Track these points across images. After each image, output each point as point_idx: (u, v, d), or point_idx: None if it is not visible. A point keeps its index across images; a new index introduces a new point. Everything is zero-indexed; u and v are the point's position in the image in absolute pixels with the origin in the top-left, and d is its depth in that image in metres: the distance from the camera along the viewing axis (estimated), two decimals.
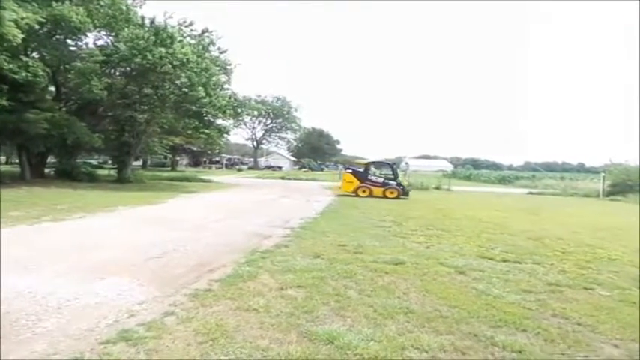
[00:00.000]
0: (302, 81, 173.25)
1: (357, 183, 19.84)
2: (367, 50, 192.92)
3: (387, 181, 19.96)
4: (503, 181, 48.66)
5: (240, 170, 64.12)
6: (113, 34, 20.07)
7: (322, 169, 77.73)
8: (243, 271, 5.46)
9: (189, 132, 27.76)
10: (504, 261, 6.68)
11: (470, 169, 74.52)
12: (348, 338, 3.44)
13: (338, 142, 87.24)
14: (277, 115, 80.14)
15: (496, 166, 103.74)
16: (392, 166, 21.69)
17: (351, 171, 20.87)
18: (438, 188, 28.32)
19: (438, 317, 4.05)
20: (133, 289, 4.65)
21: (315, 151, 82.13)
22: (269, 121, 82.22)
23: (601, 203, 23.60)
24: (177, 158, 55.71)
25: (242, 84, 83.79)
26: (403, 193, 19.65)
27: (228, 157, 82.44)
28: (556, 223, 12.34)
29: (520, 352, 3.35)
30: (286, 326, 3.70)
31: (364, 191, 19.54)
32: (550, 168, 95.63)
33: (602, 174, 29.61)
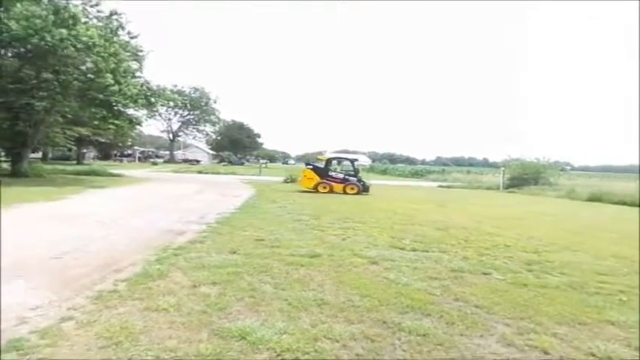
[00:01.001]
0: (221, 73, 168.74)
1: (317, 179, 19.58)
2: (286, 43, 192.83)
3: (347, 176, 19.89)
4: (416, 174, 51.46)
5: (155, 164, 61.10)
6: (1, 9, 17.91)
7: (242, 163, 76.54)
8: (153, 269, 5.20)
9: (96, 122, 25.67)
10: (414, 250, 7.04)
11: (386, 164, 77.91)
12: (261, 333, 3.42)
13: (258, 135, 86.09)
14: (195, 106, 77.24)
15: (410, 161, 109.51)
16: (352, 161, 21.28)
17: (311, 167, 20.52)
18: None
19: (351, 307, 4.17)
20: (25, 294, 4.22)
21: (235, 145, 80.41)
22: (186, 113, 78.98)
23: (500, 195, 25.84)
24: (84, 151, 51.68)
25: (156, 73, 79.75)
26: (363, 189, 19.54)
27: (142, 149, 78.25)
28: (461, 213, 13.27)
29: (424, 335, 3.55)
30: (197, 325, 3.59)
31: (324, 187, 19.31)
32: (458, 162, 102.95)
33: (502, 168, 32.36)
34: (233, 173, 38.55)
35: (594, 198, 21.82)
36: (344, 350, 3.25)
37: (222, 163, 70.39)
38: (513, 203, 19.41)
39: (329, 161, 20.60)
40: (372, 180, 30.54)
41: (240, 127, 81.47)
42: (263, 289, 4.63)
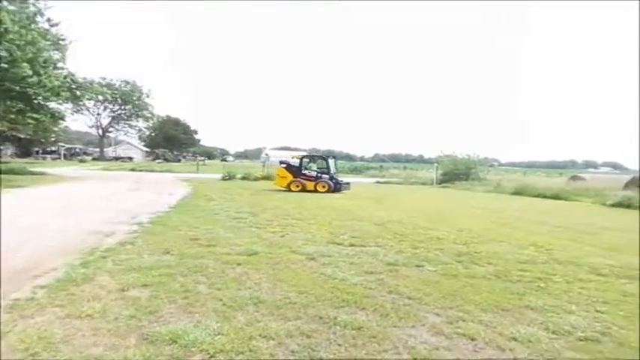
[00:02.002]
0: (156, 66, 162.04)
1: (290, 177, 19.34)
2: (223, 36, 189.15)
3: (319, 174, 19.55)
4: (355, 171, 52.41)
5: (82, 161, 57.49)
6: None
7: (179, 160, 74.13)
8: (77, 274, 4.87)
9: (13, 116, 23.51)
10: (351, 246, 7.15)
11: None
12: (193, 335, 3.30)
13: (196, 131, 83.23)
14: (126, 100, 73.42)
15: (350, 157, 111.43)
16: (326, 159, 20.73)
17: (285, 165, 20.05)
18: None
19: (287, 304, 4.14)
20: None
21: (171, 141, 77.32)
22: (117, 107, 74.94)
23: (434, 190, 26.97)
24: (1, 147, 47.52)
25: (83, 64, 74.94)
26: (335, 187, 19.19)
27: (68, 146, 73.33)
28: (398, 208, 13.70)
29: (359, 329, 3.61)
30: (125, 330, 3.41)
31: (297, 186, 19.09)
32: (396, 159, 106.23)
33: (436, 164, 33.79)
34: (169, 171, 37.17)
35: (518, 192, 23.40)
36: (279, 348, 3.22)
37: (157, 161, 67.61)
38: (446, 197, 20.33)
39: (303, 159, 20.24)
40: None
41: (176, 123, 78.51)
42: (197, 289, 4.49)
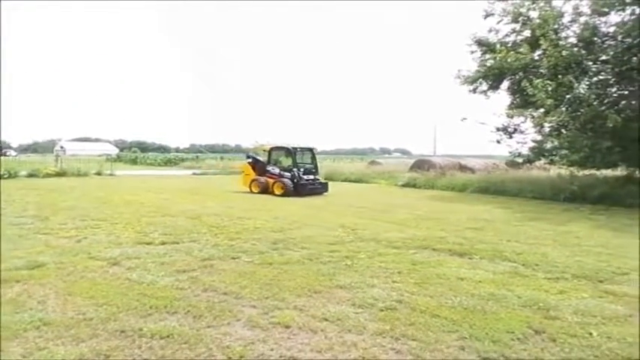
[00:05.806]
0: None
1: (252, 175, 15.99)
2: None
3: (282, 172, 15.79)
4: (169, 163, 49.57)
5: None
6: None
7: None
8: None
9: None
10: (163, 244, 6.61)
11: (136, 152, 72.37)
12: None
13: None
14: None
15: (164, 149, 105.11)
16: (293, 152, 16.16)
17: (251, 160, 16.37)
18: (99, 174, 25.94)
19: (81, 322, 3.54)
20: None
21: None
22: None
23: None
24: None
25: None
26: (295, 190, 15.03)
27: None
28: (214, 200, 13.34)
29: (168, 336, 3.29)
30: None
31: (257, 187, 15.72)
32: (213, 149, 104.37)
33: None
34: None
35: (328, 177, 25.48)
36: None
37: None
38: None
39: (271, 152, 16.66)
40: (117, 171, 27.97)
41: None
42: None
